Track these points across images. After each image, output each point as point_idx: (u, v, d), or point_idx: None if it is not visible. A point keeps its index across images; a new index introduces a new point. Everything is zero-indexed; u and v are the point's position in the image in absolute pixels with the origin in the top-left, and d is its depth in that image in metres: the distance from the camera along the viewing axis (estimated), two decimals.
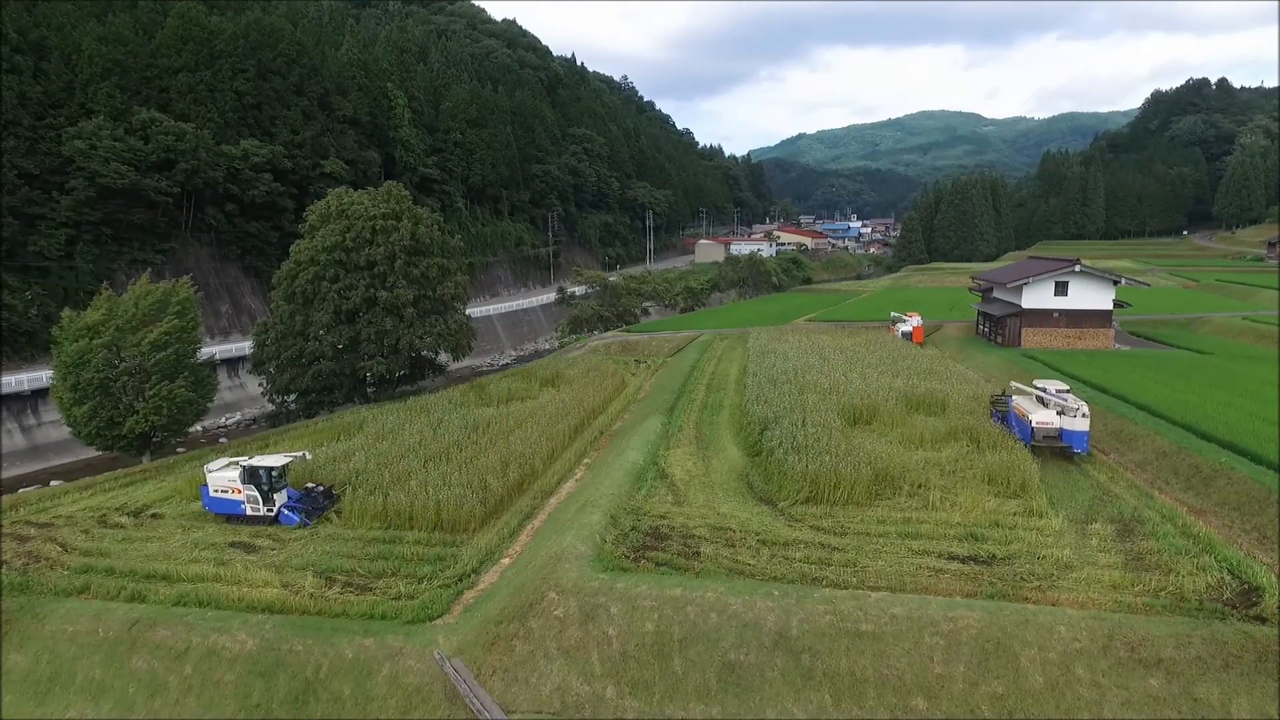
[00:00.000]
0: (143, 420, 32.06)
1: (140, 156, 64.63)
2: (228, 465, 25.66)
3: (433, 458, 29.69)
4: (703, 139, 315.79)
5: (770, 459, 24.96)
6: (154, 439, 35.23)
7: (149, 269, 43.33)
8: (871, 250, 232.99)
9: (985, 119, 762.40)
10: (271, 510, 24.86)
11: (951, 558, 18.37)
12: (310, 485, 26.22)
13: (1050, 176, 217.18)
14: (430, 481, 26.17)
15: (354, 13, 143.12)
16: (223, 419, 60.79)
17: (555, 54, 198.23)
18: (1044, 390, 28.55)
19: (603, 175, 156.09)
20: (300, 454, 27.16)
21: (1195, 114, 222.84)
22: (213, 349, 64.28)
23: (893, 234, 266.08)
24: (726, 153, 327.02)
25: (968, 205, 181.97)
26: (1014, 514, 21.12)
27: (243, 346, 63.20)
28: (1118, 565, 17.72)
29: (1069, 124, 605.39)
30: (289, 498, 25.37)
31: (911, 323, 51.58)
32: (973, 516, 20.92)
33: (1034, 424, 26.86)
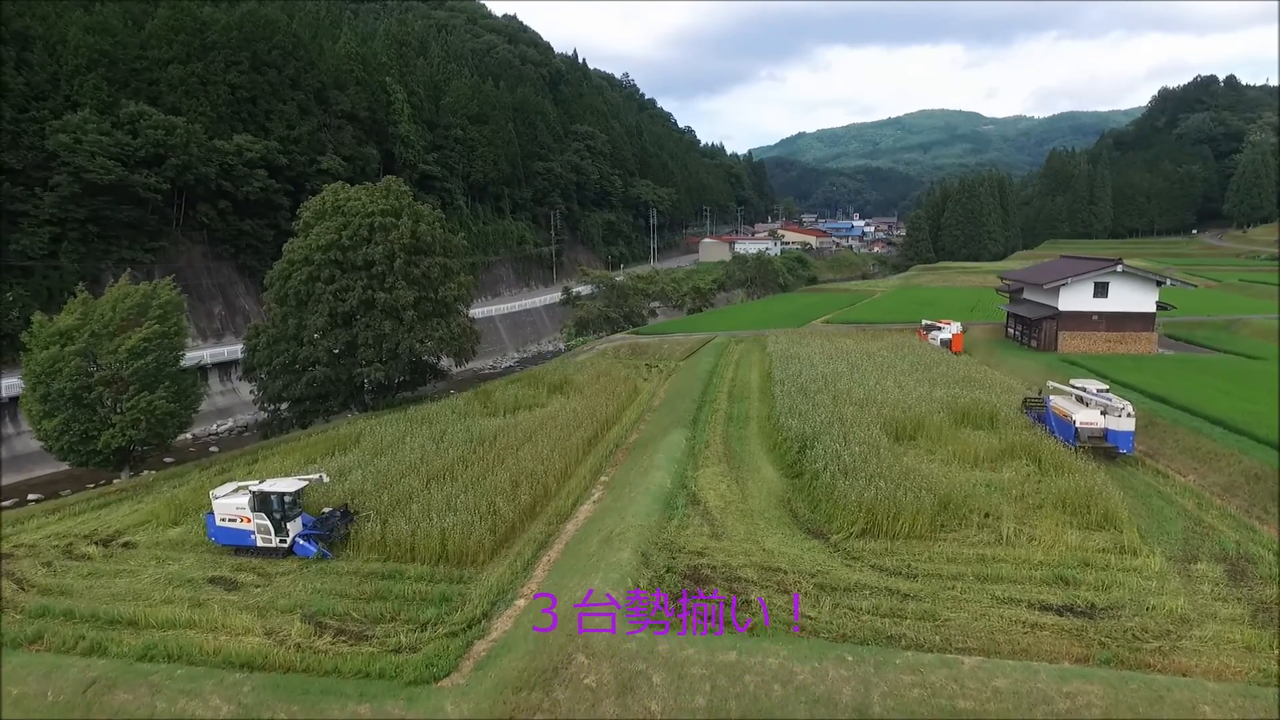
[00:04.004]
0: (119, 434, 29.39)
1: (128, 151, 61.96)
2: (236, 490, 22.98)
3: (435, 476, 27.11)
4: (704, 138, 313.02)
5: (816, 483, 22.32)
6: (134, 453, 32.56)
7: (129, 269, 40.63)
8: (875, 249, 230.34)
9: (985, 118, 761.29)
10: (285, 541, 22.08)
11: (1044, 608, 15.75)
12: (327, 509, 23.57)
13: (1057, 174, 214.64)
14: (434, 505, 23.57)
15: (352, 6, 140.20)
16: (214, 425, 58.15)
17: (556, 51, 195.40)
18: (1083, 390, 27.64)
19: (605, 173, 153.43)
20: (317, 475, 24.28)
21: (1203, 111, 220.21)
22: (204, 352, 61.76)
23: (896, 233, 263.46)
24: (728, 151, 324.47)
25: (975, 204, 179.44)
26: (1103, 550, 18.48)
27: (235, 349, 60.44)
28: (1243, 619, 15.11)
29: (1069, 123, 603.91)
30: (304, 525, 22.71)
31: (950, 330, 48.42)
32: (1056, 554, 18.29)
33: (1078, 424, 25.94)
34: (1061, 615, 15.42)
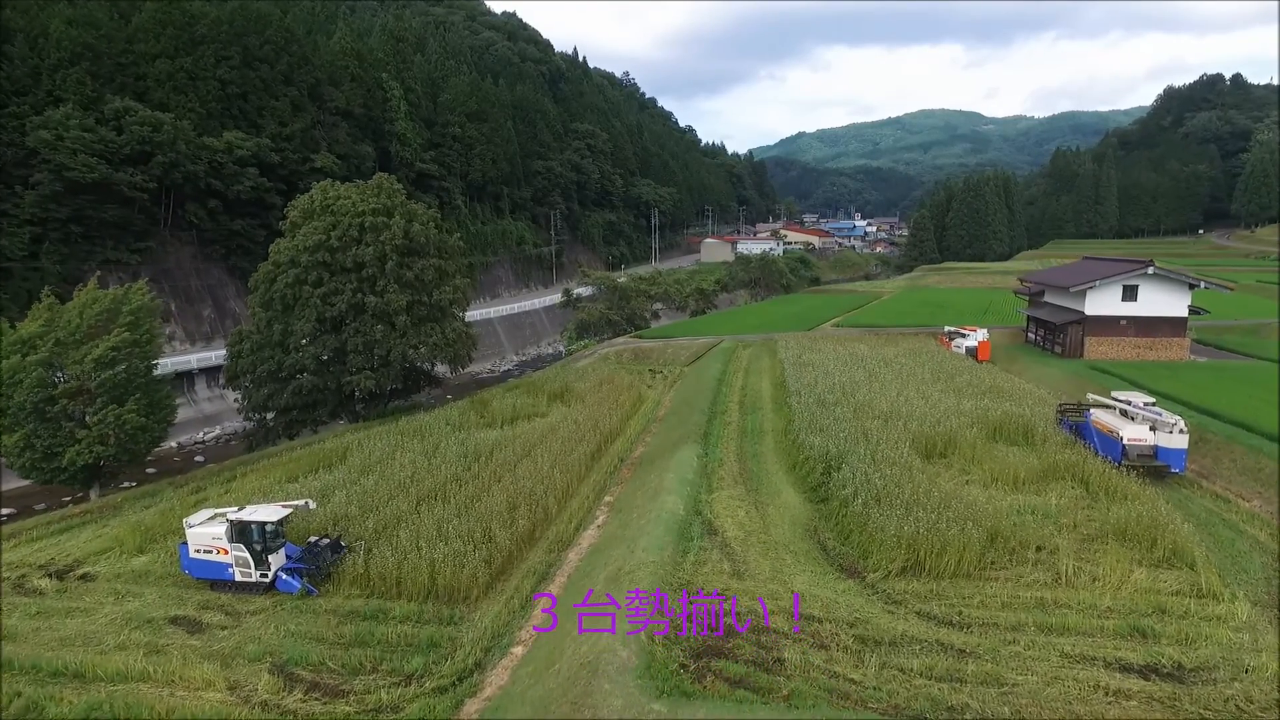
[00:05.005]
0: (85, 450, 27.21)
1: (112, 148, 59.67)
2: (212, 518, 20.80)
3: (426, 498, 25.03)
4: (704, 138, 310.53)
5: (847, 512, 20.14)
6: (105, 468, 30.37)
7: (98, 272, 38.45)
8: (878, 249, 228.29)
9: (985, 118, 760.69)
10: (266, 575, 19.93)
11: (1125, 668, 13.59)
12: (314, 539, 21.43)
13: (1061, 174, 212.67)
14: (423, 532, 21.47)
15: (348, 4, 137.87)
16: (201, 433, 56.00)
17: (556, 49, 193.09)
18: (1128, 403, 25.63)
19: (606, 172, 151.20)
20: (303, 502, 21.94)
21: (1209, 110, 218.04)
22: (191, 356, 59.68)
23: (898, 233, 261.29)
24: (728, 151, 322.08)
25: (981, 204, 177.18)
26: (1177, 594, 16.33)
27: (224, 354, 58.32)
28: None
29: (1069, 122, 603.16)
30: (287, 557, 20.50)
31: (975, 337, 45.68)
32: (1125, 598, 16.15)
33: (1126, 440, 23.97)
34: (1147, 679, 13.27)
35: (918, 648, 14.34)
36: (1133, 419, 24.95)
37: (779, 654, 14.03)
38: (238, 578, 20.14)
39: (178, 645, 17.47)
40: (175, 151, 63.33)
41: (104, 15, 66.78)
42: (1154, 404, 25.77)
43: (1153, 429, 24.13)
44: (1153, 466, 23.65)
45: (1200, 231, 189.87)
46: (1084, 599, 16.16)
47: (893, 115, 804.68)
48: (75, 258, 58.55)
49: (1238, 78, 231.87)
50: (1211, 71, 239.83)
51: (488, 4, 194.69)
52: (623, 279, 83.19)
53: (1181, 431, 23.50)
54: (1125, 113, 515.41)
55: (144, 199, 63.04)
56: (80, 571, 21.72)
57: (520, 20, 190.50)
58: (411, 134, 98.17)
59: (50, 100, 59.36)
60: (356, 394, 40.23)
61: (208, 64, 71.31)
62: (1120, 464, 23.58)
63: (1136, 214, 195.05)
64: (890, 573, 17.43)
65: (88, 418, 27.67)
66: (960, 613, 15.77)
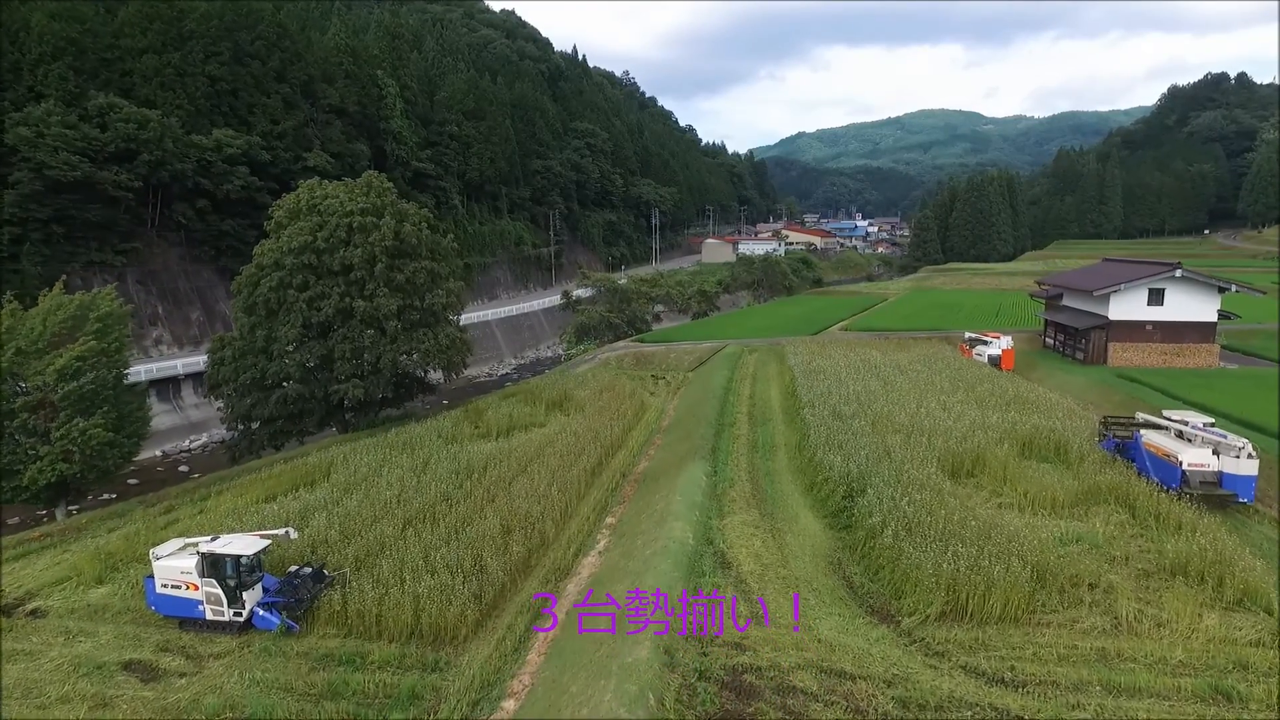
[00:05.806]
0: (47, 468, 25.26)
1: (96, 146, 57.75)
2: (182, 549, 18.78)
3: (413, 520, 23.14)
4: (704, 137, 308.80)
5: (874, 544, 18.22)
6: (70, 485, 28.39)
7: (64, 277, 36.48)
8: (879, 250, 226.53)
9: (985, 117, 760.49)
10: (240, 614, 17.95)
11: None
12: (294, 569, 19.45)
13: (1064, 174, 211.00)
14: (408, 561, 19.60)
15: (345, 1, 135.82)
16: (187, 441, 54.12)
17: (556, 48, 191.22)
18: (1184, 423, 23.27)
19: (606, 172, 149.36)
20: (283, 531, 19.87)
21: (1214, 109, 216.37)
22: (177, 361, 57.81)
23: (899, 233, 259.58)
24: (728, 151, 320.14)
25: (984, 204, 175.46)
26: (1256, 644, 14.41)
27: None
28: None
29: (1069, 122, 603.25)
30: (265, 590, 18.54)
31: (999, 345, 43.01)
32: (1197, 648, 14.23)
33: (1186, 466, 21.70)
34: None
35: (969, 715, 12.41)
36: (1190, 441, 22.79)
37: None
38: (209, 616, 18.17)
39: (128, 697, 15.57)
40: (162, 149, 61.42)
41: (89, 9, 64.84)
42: (1213, 424, 23.63)
43: (1215, 453, 21.89)
44: (1217, 495, 21.40)
45: (1206, 232, 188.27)
46: (1151, 650, 14.25)
47: (893, 115, 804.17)
48: (57, 259, 56.55)
49: (1243, 76, 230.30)
50: (1214, 71, 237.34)
51: (486, 1, 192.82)
52: (623, 280, 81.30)
53: (1250, 456, 21.28)
54: (1125, 112, 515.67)
55: (129, 198, 61.09)
56: (30, 606, 19.77)
57: (519, 18, 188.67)
58: (407, 132, 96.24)
59: (31, 96, 57.49)
60: (345, 403, 38.33)
61: (196, 60, 69.33)
62: (1175, 489, 21.51)
63: (1141, 214, 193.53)
64: (928, 617, 15.51)
65: (51, 433, 25.71)
66: (1012, 667, 13.84)
